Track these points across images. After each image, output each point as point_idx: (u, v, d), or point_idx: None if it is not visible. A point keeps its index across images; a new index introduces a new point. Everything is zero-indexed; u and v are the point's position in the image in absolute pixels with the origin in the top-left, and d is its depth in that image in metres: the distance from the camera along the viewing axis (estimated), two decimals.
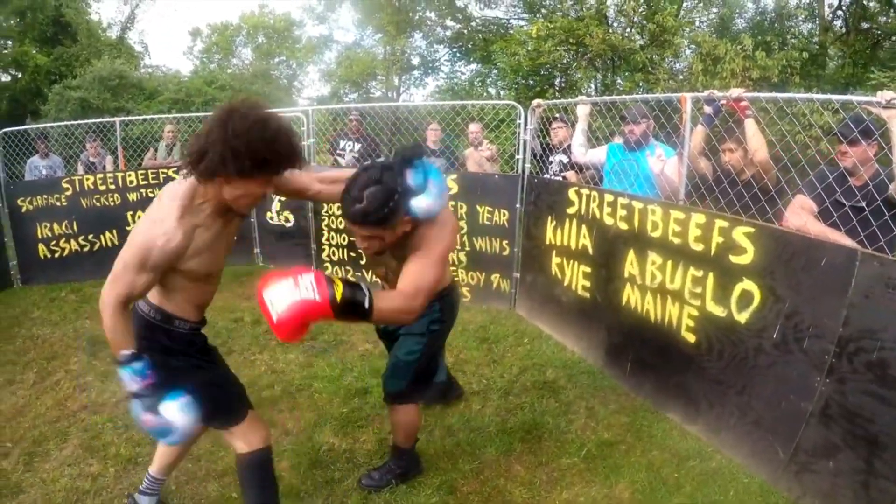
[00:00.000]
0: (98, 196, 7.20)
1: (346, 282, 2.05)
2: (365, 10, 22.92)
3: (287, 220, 7.24)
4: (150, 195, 7.16)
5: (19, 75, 21.20)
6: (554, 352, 4.91)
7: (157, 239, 2.08)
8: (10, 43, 21.57)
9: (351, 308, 2.01)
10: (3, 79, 21.90)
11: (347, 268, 6.75)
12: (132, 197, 7.26)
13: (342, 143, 7.40)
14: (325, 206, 6.66)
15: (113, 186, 7.22)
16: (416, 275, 2.34)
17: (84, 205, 7.19)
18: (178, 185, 2.17)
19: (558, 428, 3.76)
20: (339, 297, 1.96)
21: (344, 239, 6.67)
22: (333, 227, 6.74)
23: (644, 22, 14.30)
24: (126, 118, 9.02)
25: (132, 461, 3.54)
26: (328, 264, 6.88)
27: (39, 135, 8.27)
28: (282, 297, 1.92)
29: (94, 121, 8.73)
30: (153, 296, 2.33)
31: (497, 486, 3.26)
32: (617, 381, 4.35)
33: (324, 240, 6.88)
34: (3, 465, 3.62)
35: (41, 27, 21.00)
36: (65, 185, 7.19)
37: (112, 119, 8.36)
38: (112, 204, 7.23)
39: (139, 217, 6.62)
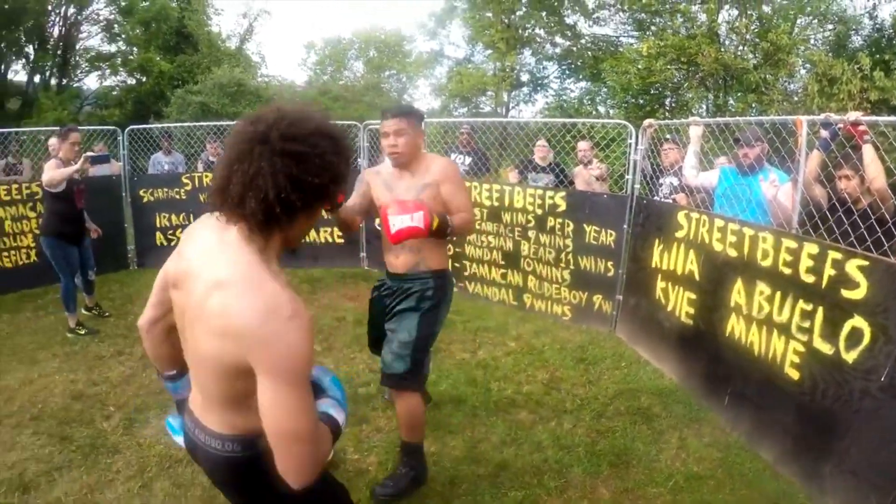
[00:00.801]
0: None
1: (440, 215, 2.99)
2: (475, 26, 23.18)
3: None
4: None
5: (144, 79, 22.83)
6: (651, 378, 4.79)
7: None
8: (135, 50, 23.24)
9: (441, 231, 3.00)
10: (130, 82, 23.69)
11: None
12: None
13: (453, 156, 7.50)
14: None
15: None
16: (466, 201, 3.25)
17: (202, 200, 7.73)
18: (235, 248, 1.44)
19: (648, 455, 3.68)
20: (434, 226, 2.94)
21: (450, 249, 6.65)
22: None
23: (757, 40, 13.80)
24: (220, 123, 9.43)
25: None
26: None
27: (163, 134, 8.90)
28: (400, 221, 2.89)
29: (214, 123, 9.28)
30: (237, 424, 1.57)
31: None
32: (713, 414, 4.19)
33: None
34: (105, 426, 3.99)
35: (165, 37, 22.63)
36: (185, 181, 7.85)
37: (232, 122, 8.77)
38: None
39: None
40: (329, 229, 7.81)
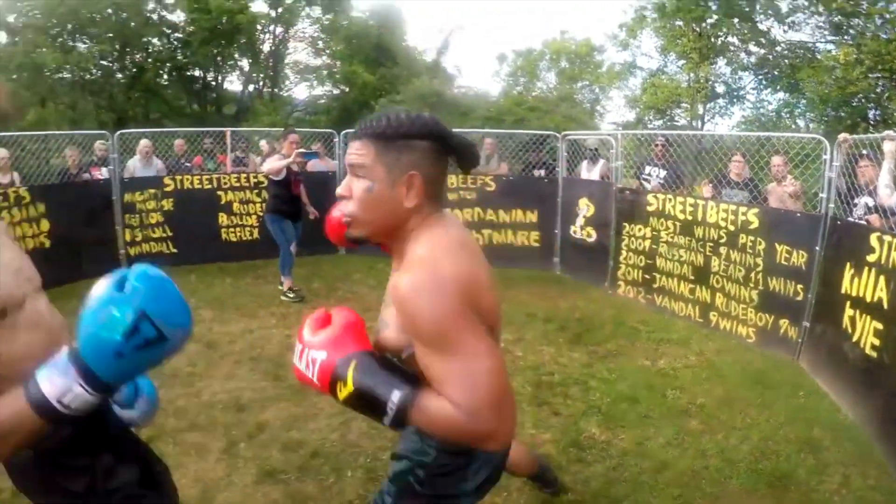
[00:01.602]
0: None
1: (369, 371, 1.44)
2: (666, 35, 22.29)
3: (589, 236, 7.62)
4: (468, 197, 8.28)
5: (348, 90, 25.23)
6: (827, 411, 4.60)
7: None
8: (338, 63, 25.88)
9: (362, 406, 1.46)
10: (335, 92, 26.44)
11: (640, 289, 6.92)
12: (451, 196, 8.25)
13: (647, 169, 7.56)
14: (626, 225, 6.97)
15: None
16: (447, 369, 1.39)
17: None
18: None
19: (808, 485, 3.60)
20: (341, 396, 1.45)
21: (641, 260, 6.87)
22: (633, 247, 6.97)
23: None
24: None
25: None
26: (622, 282, 7.13)
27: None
28: (298, 358, 1.58)
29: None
30: None
31: None
32: (885, 458, 3.94)
33: (622, 258, 7.13)
34: None
35: (366, 51, 24.61)
36: None
37: None
38: None
39: (455, 214, 7.53)
40: (527, 233, 8.17)
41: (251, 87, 26.75)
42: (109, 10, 21.61)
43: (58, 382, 1.26)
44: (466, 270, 1.43)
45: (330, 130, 9.71)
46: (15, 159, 7.61)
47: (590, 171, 8.11)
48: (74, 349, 1.28)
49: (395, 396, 1.39)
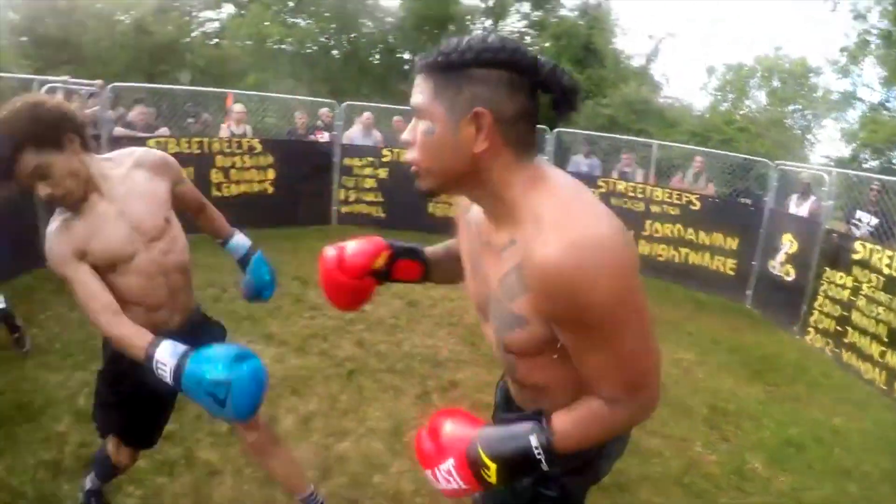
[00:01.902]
0: (626, 200, 8.38)
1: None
2: (891, 66, 20.08)
3: (788, 274, 7.24)
4: (671, 212, 8.12)
5: None
6: None
7: None
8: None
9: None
10: None
11: (829, 339, 6.47)
12: (654, 209, 8.21)
13: (858, 214, 7.15)
14: (827, 269, 6.53)
15: (640, 195, 8.31)
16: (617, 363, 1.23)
17: (611, 203, 8.37)
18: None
19: None
20: (493, 480, 1.27)
21: (836, 310, 6.40)
22: (830, 294, 6.52)
23: None
24: (661, 142, 10.31)
25: None
26: (811, 329, 6.71)
27: (585, 139, 9.97)
28: (439, 483, 1.37)
29: (629, 138, 10.31)
30: None
31: None
32: None
33: (817, 304, 6.69)
34: None
35: (573, 50, 24.21)
36: (600, 184, 8.59)
37: (650, 140, 9.71)
38: (636, 209, 8.31)
39: (656, 227, 7.99)
40: (724, 259, 7.90)
41: None
42: None
43: (165, 358, 1.82)
44: (626, 233, 1.17)
45: (542, 127, 9.83)
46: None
47: (798, 207, 7.76)
48: (184, 363, 1.81)
49: (534, 441, 1.23)
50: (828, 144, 32.40)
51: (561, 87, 1.18)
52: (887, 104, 21.92)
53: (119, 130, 7.29)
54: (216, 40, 26.56)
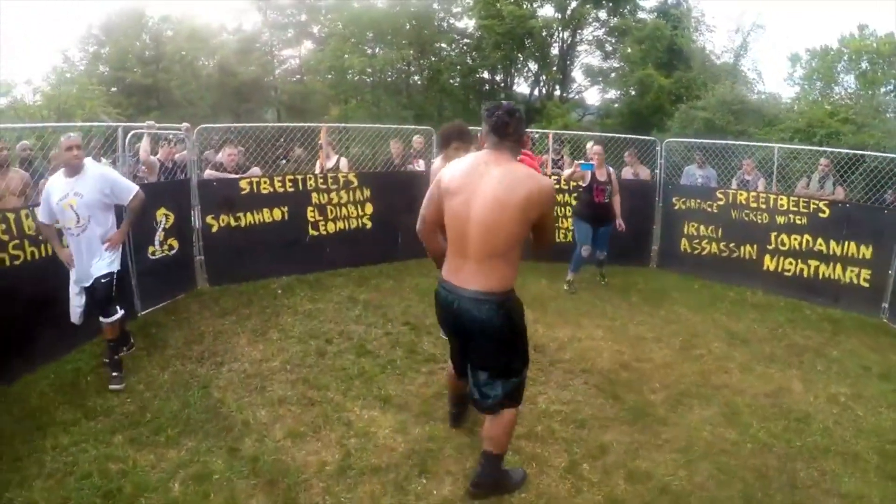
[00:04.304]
0: (748, 212, 7.78)
1: None
2: None
3: None
4: (798, 222, 7.42)
5: (643, 93, 23.92)
6: None
7: None
8: (626, 67, 25.01)
9: None
10: (631, 94, 25.03)
11: None
12: (780, 220, 7.56)
13: None
14: None
15: (763, 206, 7.68)
16: None
17: (733, 216, 7.89)
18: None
19: None
20: None
21: None
22: None
23: None
24: (782, 145, 9.58)
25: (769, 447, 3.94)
26: None
27: (697, 147, 9.28)
28: None
29: (748, 143, 9.59)
30: None
31: None
32: None
33: None
34: (652, 398, 4.50)
35: (658, 54, 23.44)
36: (719, 195, 8.02)
37: (770, 145, 9.01)
38: (759, 221, 7.70)
39: (782, 239, 7.47)
40: (857, 269, 7.14)
41: (539, 90, 27.41)
42: (404, 21, 24.08)
43: None
44: None
45: (652, 139, 9.37)
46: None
47: None
48: None
49: None
50: None
51: (488, 123, 2.89)
52: None
53: (210, 173, 7.20)
54: (298, 76, 27.21)
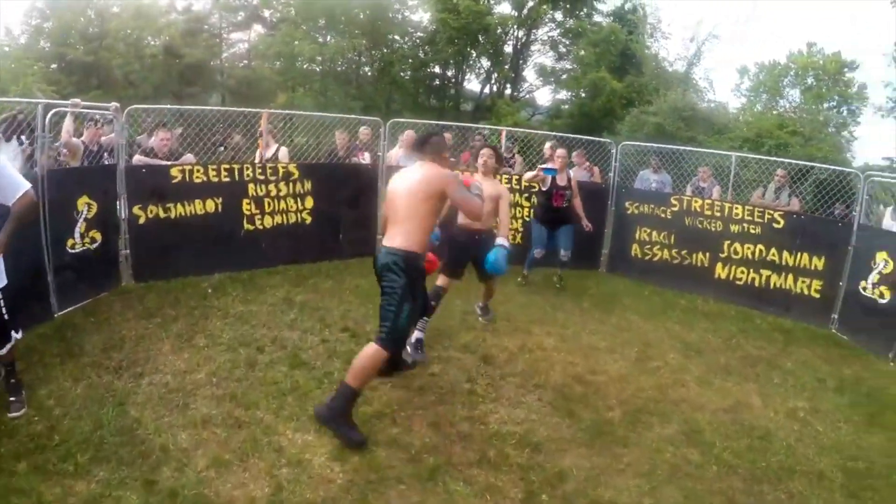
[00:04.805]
0: (702, 219, 7.65)
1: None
2: None
3: (882, 296, 6.44)
4: (752, 231, 7.33)
5: (589, 95, 24.26)
6: None
7: None
8: (579, 68, 25.15)
9: None
10: (581, 96, 25.25)
11: None
12: (734, 228, 7.46)
13: None
14: None
15: (718, 214, 7.56)
16: None
17: (686, 222, 7.74)
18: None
19: None
20: None
21: None
22: None
23: None
24: (740, 154, 9.41)
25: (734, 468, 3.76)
26: None
27: (654, 152, 9.12)
28: None
29: (710, 151, 9.59)
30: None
31: None
32: None
33: None
34: (609, 415, 4.27)
35: (612, 58, 23.69)
36: (673, 202, 7.86)
37: (728, 153, 8.96)
38: (713, 229, 7.58)
39: (735, 248, 7.41)
40: (808, 280, 7.11)
41: (490, 87, 27.37)
42: (358, 10, 23.76)
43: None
44: None
45: (608, 140, 9.19)
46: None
47: (895, 221, 7.05)
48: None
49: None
50: (884, 144, 30.38)
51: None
52: None
53: (139, 158, 6.58)
54: (246, 62, 26.47)
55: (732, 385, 5.02)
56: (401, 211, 3.76)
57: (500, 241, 4.78)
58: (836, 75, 24.92)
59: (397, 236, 3.74)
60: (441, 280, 5.19)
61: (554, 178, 6.99)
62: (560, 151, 7.23)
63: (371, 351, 3.63)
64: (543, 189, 7.19)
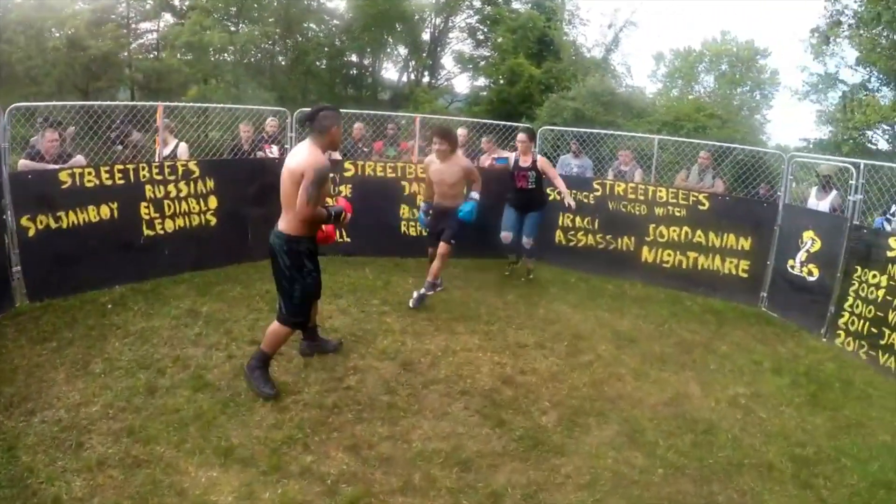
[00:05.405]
0: (626, 203, 7.49)
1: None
2: (863, 46, 18.95)
3: (810, 274, 6.52)
4: (677, 213, 7.24)
5: (507, 82, 24.31)
6: None
7: None
8: (496, 55, 25.39)
9: None
10: (500, 83, 25.28)
11: (863, 342, 5.84)
12: (659, 211, 7.35)
13: (894, 208, 6.58)
14: (858, 268, 5.95)
15: (642, 197, 7.42)
16: None
17: (610, 207, 7.57)
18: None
19: None
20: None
21: (870, 311, 5.77)
22: (863, 295, 5.87)
23: None
24: (662, 137, 9.27)
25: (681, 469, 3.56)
26: (842, 332, 6.06)
27: (574, 136, 8.87)
28: None
29: (631, 134, 9.55)
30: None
31: None
32: None
33: (847, 305, 6.02)
34: (544, 420, 3.97)
35: (530, 44, 23.83)
36: (596, 186, 7.66)
37: (651, 136, 8.86)
38: (637, 213, 7.44)
39: (660, 231, 7.23)
40: (735, 261, 7.10)
41: (408, 75, 27.14)
42: None
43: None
44: None
45: (528, 126, 9.08)
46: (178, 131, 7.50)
47: (820, 201, 7.13)
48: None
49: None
50: (800, 127, 31.68)
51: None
52: (868, 84, 20.51)
53: (24, 163, 5.95)
54: (155, 53, 24.97)
55: (670, 375, 4.83)
56: (282, 196, 3.98)
57: (473, 194, 5.79)
58: (749, 62, 25.86)
59: (282, 220, 4.03)
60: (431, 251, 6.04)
61: (516, 161, 6.81)
62: (521, 136, 6.91)
63: (275, 327, 4.07)
64: (510, 170, 7.00)
